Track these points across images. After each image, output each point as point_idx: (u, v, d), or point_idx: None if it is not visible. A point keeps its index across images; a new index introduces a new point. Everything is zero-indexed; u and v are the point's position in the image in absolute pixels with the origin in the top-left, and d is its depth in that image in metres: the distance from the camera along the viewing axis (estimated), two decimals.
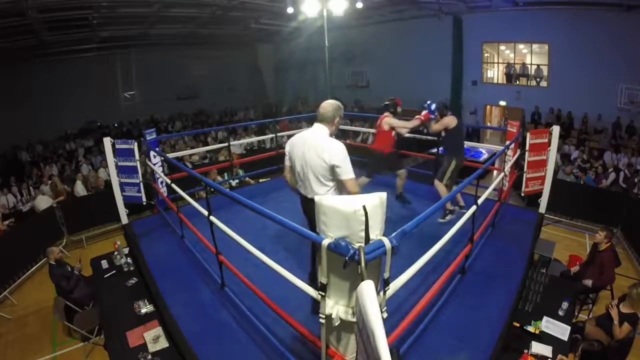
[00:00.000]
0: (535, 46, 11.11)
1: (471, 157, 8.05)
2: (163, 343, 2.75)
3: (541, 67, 11.09)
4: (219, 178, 6.60)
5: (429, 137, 5.13)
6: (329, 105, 2.46)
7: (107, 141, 4.10)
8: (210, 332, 2.69)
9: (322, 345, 1.81)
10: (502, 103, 12.28)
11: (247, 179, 6.41)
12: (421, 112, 4.10)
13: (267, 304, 2.43)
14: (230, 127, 8.45)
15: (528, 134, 4.24)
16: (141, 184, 4.35)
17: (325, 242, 1.52)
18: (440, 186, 4.13)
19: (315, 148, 2.33)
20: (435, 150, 5.54)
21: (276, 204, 4.86)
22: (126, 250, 4.12)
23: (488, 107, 12.90)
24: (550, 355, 2.56)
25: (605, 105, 9.86)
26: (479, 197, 2.97)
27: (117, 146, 4.22)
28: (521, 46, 11.51)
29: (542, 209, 4.25)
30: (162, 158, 4.90)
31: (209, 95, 17.06)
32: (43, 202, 6.84)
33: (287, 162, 2.61)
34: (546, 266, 3.96)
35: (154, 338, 2.79)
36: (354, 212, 1.45)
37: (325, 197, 1.57)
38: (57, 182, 7.70)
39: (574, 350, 3.02)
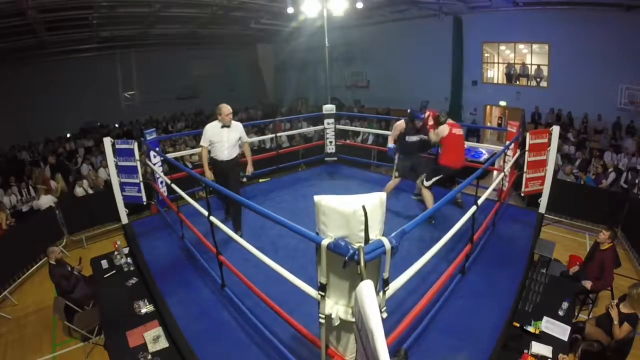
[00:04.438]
0: (535, 46, 11.10)
1: (471, 157, 8.04)
2: (163, 343, 2.75)
3: (541, 67, 11.08)
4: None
5: None
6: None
7: (107, 141, 4.11)
8: (210, 332, 2.69)
9: (321, 345, 1.81)
10: (502, 103, 12.26)
11: (245, 179, 6.37)
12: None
13: (267, 304, 2.43)
14: None
15: (528, 134, 4.24)
16: (141, 184, 4.36)
17: (325, 242, 1.52)
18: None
19: None
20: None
21: (275, 204, 4.88)
22: (126, 250, 4.12)
23: (488, 107, 12.88)
24: (550, 355, 2.56)
25: (605, 106, 9.85)
26: (479, 197, 2.97)
27: (117, 146, 4.22)
28: (521, 46, 11.49)
29: (542, 209, 4.25)
30: (162, 158, 4.90)
31: (209, 95, 17.01)
32: (45, 201, 6.82)
33: None
34: (546, 266, 3.96)
35: (154, 338, 2.79)
36: (353, 212, 1.45)
37: (324, 197, 1.57)
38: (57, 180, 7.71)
39: (574, 350, 3.01)
